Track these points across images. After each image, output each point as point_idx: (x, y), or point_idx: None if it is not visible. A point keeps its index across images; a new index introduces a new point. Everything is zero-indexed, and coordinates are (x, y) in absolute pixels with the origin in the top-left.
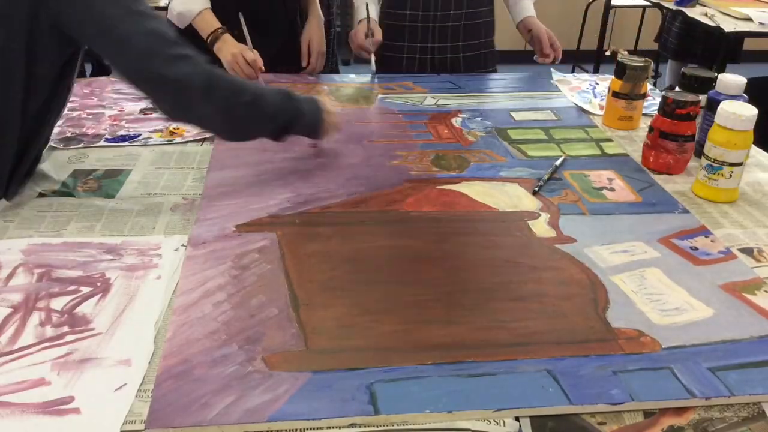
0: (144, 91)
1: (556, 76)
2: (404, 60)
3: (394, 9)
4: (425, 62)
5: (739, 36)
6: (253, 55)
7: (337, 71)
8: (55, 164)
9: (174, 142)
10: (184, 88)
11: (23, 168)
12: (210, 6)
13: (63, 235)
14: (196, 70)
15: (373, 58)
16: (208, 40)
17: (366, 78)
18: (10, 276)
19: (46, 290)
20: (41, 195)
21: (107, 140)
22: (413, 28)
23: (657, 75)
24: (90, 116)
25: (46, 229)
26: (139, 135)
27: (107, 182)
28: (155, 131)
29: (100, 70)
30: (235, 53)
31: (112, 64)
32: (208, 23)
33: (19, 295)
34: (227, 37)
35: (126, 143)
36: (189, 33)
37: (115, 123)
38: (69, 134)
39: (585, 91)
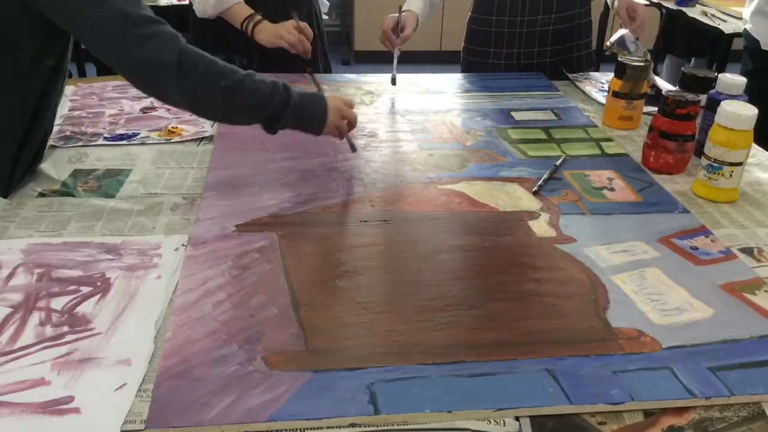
0: (120, 73)
1: (571, 76)
2: (489, 65)
3: (480, 14)
4: (510, 68)
5: (739, 36)
6: (298, 24)
7: (329, 71)
8: (55, 164)
9: (172, 141)
10: (155, 66)
11: (24, 160)
12: None
13: (63, 235)
14: (167, 47)
15: (396, 53)
16: (244, 25)
17: (365, 78)
18: (10, 276)
19: (46, 290)
20: (41, 195)
21: (106, 139)
22: (500, 34)
23: (657, 74)
24: (90, 115)
25: (46, 229)
26: (138, 134)
27: (107, 182)
28: (154, 130)
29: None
30: (281, 28)
31: (87, 47)
32: (240, 12)
33: (19, 295)
34: (266, 22)
35: (124, 142)
36: None
37: (113, 122)
38: (68, 133)
39: (603, 90)
